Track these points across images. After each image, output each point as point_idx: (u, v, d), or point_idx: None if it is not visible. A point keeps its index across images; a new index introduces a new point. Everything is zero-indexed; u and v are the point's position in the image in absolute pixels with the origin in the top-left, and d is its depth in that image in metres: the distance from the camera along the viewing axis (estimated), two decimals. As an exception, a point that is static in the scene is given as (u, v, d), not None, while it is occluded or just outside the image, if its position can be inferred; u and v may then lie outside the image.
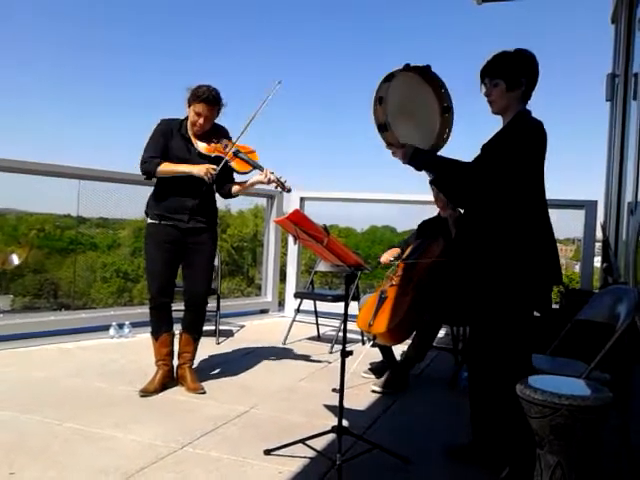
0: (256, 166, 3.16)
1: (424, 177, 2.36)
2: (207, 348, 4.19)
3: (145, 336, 3.82)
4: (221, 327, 4.59)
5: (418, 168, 2.30)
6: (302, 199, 5.91)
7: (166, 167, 3.07)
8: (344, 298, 2.44)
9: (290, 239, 5.50)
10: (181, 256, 3.19)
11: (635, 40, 4.34)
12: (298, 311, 4.61)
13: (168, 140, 3.12)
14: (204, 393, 3.11)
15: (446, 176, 2.25)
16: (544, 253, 2.16)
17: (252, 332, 4.95)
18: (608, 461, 2.34)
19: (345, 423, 2.36)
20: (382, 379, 3.34)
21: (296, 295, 4.79)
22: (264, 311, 5.97)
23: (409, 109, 2.40)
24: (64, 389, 3.09)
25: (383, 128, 2.26)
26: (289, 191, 3.20)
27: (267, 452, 2.33)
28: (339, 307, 3.41)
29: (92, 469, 2.13)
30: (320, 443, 2.37)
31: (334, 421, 2.34)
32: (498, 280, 2.16)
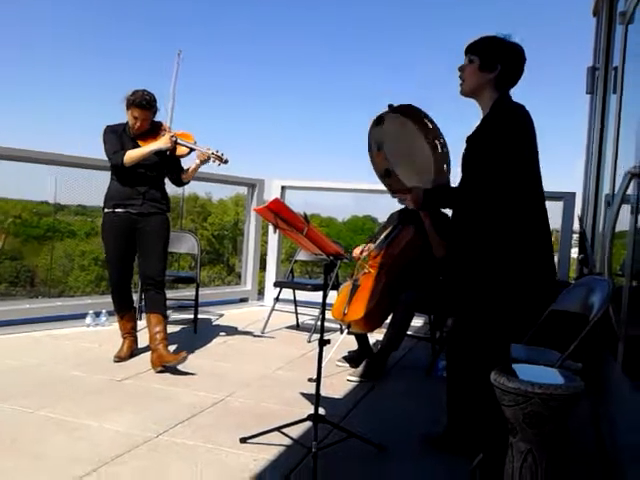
0: (192, 148, 3.44)
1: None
2: (185, 336, 4.18)
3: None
4: (200, 316, 4.57)
5: (432, 208, 2.41)
6: (283, 188, 5.88)
7: (132, 153, 3.30)
8: (323, 287, 2.44)
9: (270, 228, 5.49)
10: (135, 242, 3.42)
11: (616, 33, 4.36)
12: (277, 300, 4.61)
13: (120, 140, 3.38)
14: (186, 359, 3.25)
15: (458, 204, 2.24)
16: (537, 248, 2.10)
17: (231, 321, 4.93)
18: (578, 448, 2.39)
19: (322, 411, 2.37)
20: (358, 369, 3.36)
21: (276, 284, 4.78)
22: (243, 300, 5.95)
23: (406, 152, 2.44)
24: (39, 377, 3.05)
25: (386, 174, 2.23)
26: (226, 162, 3.45)
27: (243, 440, 2.32)
28: (318, 296, 3.39)
29: (66, 458, 2.11)
30: (296, 431, 2.38)
31: (311, 409, 2.34)
32: (490, 274, 2.10)
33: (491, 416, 1.98)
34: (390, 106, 2.35)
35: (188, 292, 4.91)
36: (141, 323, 3.85)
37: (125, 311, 3.58)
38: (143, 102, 3.30)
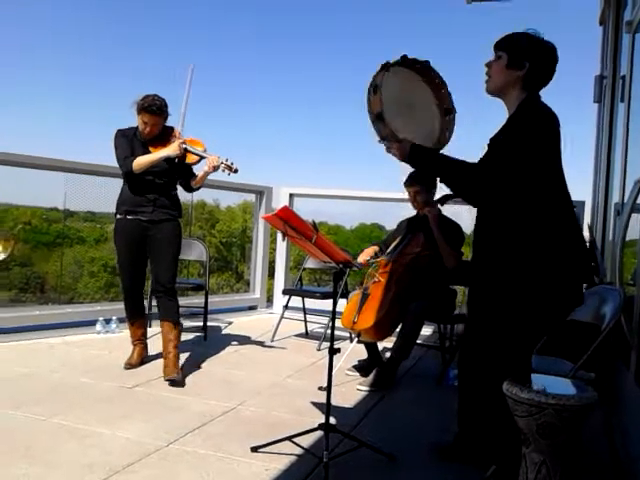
0: (202, 156, 3.42)
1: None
2: (195, 344, 4.19)
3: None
4: (209, 323, 4.58)
5: (416, 167, 2.20)
6: (291, 195, 5.89)
7: (141, 160, 3.29)
8: (332, 295, 2.44)
9: (279, 235, 5.50)
10: (146, 248, 3.42)
11: (622, 42, 4.36)
12: (286, 308, 4.61)
13: (131, 144, 3.38)
14: (180, 383, 3.19)
15: (451, 177, 2.10)
16: (571, 252, 2.00)
17: (240, 329, 4.94)
18: (592, 458, 2.37)
19: (332, 420, 2.37)
20: (369, 378, 3.36)
21: (284, 292, 4.78)
22: (252, 307, 5.96)
23: (406, 106, 2.29)
24: (49, 385, 3.06)
25: (378, 118, 2.12)
26: (236, 172, 3.42)
27: (254, 449, 2.32)
28: (327, 304, 3.39)
29: (78, 465, 2.12)
30: (307, 440, 2.37)
31: (321, 418, 2.34)
32: (519, 281, 2.01)
33: (504, 426, 1.96)
34: (404, 57, 2.21)
35: (197, 299, 4.92)
36: (151, 330, 3.86)
37: (136, 317, 3.58)
38: (153, 107, 3.28)
